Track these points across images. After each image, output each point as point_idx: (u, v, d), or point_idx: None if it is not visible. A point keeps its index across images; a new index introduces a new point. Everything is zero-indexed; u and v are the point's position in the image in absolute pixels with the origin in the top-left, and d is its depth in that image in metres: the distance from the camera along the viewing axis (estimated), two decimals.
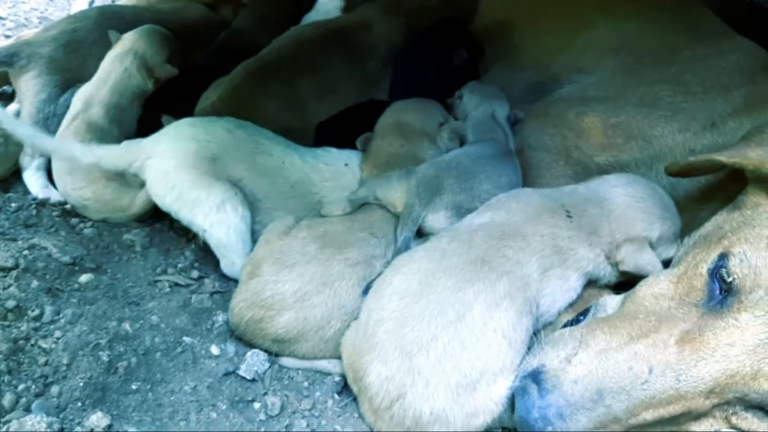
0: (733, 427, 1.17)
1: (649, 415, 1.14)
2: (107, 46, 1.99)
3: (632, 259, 1.40)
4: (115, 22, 2.12)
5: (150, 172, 1.59)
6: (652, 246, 1.43)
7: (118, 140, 1.84)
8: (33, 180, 1.85)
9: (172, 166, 1.57)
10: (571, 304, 1.41)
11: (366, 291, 1.35)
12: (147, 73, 2.00)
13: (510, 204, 1.45)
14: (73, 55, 2.03)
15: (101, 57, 1.98)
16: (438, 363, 1.18)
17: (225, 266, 1.59)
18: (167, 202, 1.58)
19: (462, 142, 1.86)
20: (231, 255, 1.57)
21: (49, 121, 1.95)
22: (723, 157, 1.38)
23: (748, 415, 1.15)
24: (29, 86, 1.94)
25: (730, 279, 1.18)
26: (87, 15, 2.15)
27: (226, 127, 1.68)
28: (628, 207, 1.44)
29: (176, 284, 1.55)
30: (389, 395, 1.20)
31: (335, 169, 1.75)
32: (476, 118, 1.90)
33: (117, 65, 1.96)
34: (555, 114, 1.87)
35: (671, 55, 1.89)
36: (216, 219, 1.54)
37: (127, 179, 1.71)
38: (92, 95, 1.90)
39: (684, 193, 1.63)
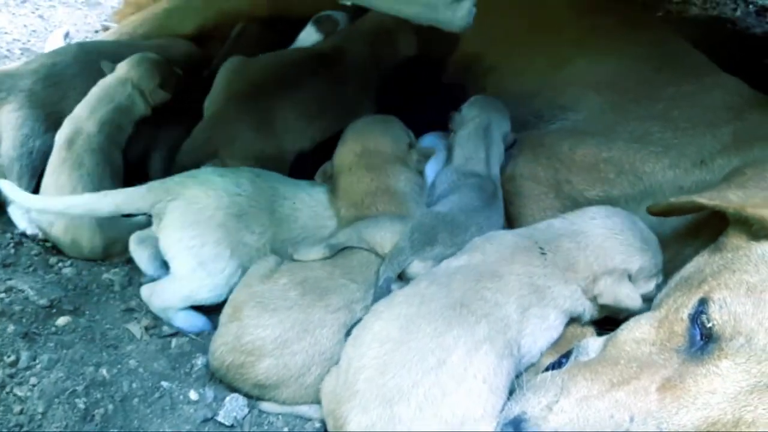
0: None
1: None
2: (86, 80, 1.99)
3: (610, 291, 1.39)
4: (94, 56, 2.12)
5: (173, 213, 1.56)
6: (631, 279, 1.43)
7: (119, 163, 1.91)
8: (19, 215, 1.82)
9: (203, 218, 1.55)
10: (554, 344, 1.40)
11: (348, 335, 1.34)
12: (144, 98, 2.01)
13: (485, 246, 1.45)
14: (52, 88, 2.02)
15: (81, 91, 1.97)
16: (419, 411, 1.17)
17: (151, 295, 1.58)
18: (177, 246, 1.55)
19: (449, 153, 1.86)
20: (176, 301, 1.56)
21: (33, 156, 1.92)
22: (704, 200, 1.38)
23: None
24: (10, 119, 1.92)
25: (710, 325, 1.17)
26: (66, 50, 2.15)
27: (250, 178, 1.67)
28: (606, 239, 1.44)
29: (150, 327, 1.53)
30: None
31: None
32: (468, 129, 1.89)
33: (119, 90, 1.97)
34: (549, 145, 1.86)
35: (656, 92, 1.89)
36: (209, 280, 1.54)
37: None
38: (87, 117, 1.89)
39: (670, 230, 1.63)
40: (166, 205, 1.57)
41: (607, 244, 1.43)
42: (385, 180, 1.71)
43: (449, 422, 1.17)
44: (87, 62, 2.09)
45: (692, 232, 1.58)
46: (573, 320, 1.45)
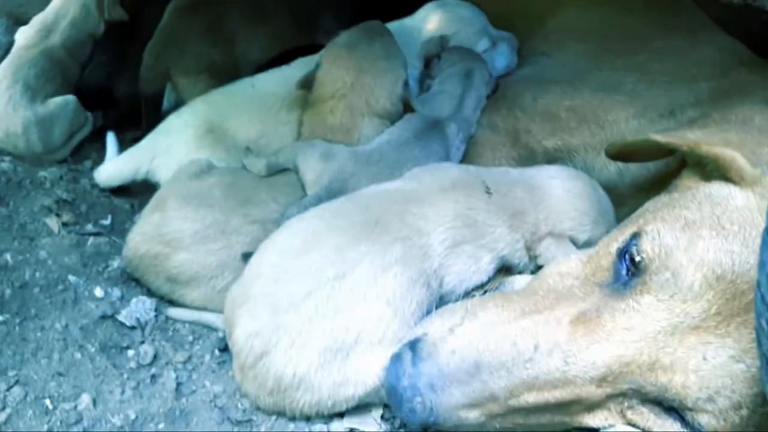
0: (628, 422, 1.05)
1: (531, 398, 1.02)
2: None
3: (552, 254, 1.28)
4: None
5: (162, 170, 1.60)
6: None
7: (78, 77, 1.90)
8: None
9: (182, 157, 1.57)
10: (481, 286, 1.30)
11: (245, 257, 1.27)
12: (99, 12, 1.96)
13: (423, 175, 1.34)
14: None
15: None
16: (308, 322, 1.09)
17: None
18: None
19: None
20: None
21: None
22: (659, 137, 1.27)
23: (644, 410, 1.03)
24: None
25: (638, 258, 1.06)
26: None
27: (205, 101, 1.70)
28: (561, 200, 1.32)
29: (71, 224, 1.48)
30: (254, 352, 1.11)
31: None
32: (448, 72, 1.77)
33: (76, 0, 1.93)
34: (512, 95, 1.76)
35: (641, 44, 1.77)
36: None
37: None
38: (51, 26, 1.87)
39: (630, 181, 1.51)
40: (150, 167, 1.62)
41: (561, 206, 1.32)
42: (357, 124, 1.60)
43: (340, 340, 1.09)
44: None
45: (655, 185, 1.45)
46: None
